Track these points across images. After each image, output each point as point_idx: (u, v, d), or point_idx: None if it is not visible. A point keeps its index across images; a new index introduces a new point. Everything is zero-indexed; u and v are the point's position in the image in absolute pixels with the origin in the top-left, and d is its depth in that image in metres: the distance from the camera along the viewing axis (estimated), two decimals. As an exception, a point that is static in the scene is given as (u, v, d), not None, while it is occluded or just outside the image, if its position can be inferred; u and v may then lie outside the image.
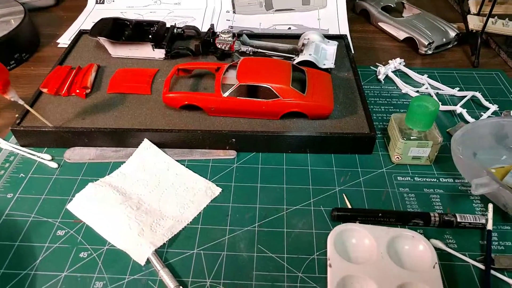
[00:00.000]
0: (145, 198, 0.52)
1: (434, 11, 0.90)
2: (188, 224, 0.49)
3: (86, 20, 0.89)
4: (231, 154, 0.57)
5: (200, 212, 0.50)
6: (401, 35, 0.82)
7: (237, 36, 0.72)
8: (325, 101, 0.57)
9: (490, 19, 0.74)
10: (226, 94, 0.57)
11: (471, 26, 0.77)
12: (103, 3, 0.94)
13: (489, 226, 0.47)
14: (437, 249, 0.45)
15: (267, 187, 0.53)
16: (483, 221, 0.47)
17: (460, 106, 0.64)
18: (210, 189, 0.53)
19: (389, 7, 0.90)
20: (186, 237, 0.48)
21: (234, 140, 0.56)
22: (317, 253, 0.46)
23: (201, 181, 0.54)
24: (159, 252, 0.46)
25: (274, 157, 0.57)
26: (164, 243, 0.47)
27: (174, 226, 0.48)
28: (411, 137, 0.54)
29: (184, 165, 0.56)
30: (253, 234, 0.48)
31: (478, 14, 0.77)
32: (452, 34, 0.80)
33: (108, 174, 0.54)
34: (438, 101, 0.65)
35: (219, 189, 0.53)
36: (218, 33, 0.71)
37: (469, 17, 0.78)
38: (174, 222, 0.49)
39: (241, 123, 0.58)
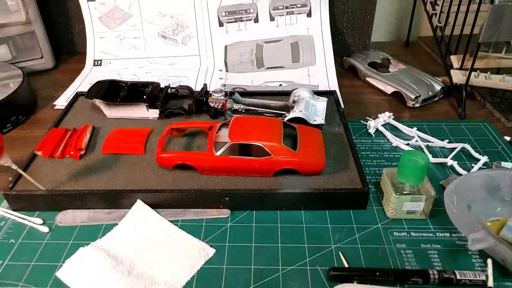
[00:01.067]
0: (137, 261, 0.50)
1: (418, 65, 0.94)
2: (181, 289, 0.47)
3: (83, 81, 0.92)
4: (224, 213, 0.57)
5: (193, 275, 0.49)
6: (389, 89, 0.85)
7: (229, 94, 0.74)
8: (316, 157, 0.58)
9: (473, 73, 0.77)
10: (218, 153, 0.58)
11: (455, 80, 0.80)
12: (100, 65, 0.97)
13: (490, 283, 0.46)
14: (438, 309, 0.44)
15: (262, 247, 0.52)
16: (483, 277, 0.46)
17: (451, 158, 0.65)
18: (204, 250, 0.52)
19: (375, 63, 0.94)
20: (179, 303, 0.46)
21: (227, 198, 0.56)
22: (315, 317, 0.44)
23: (194, 242, 0.53)
24: (151, 321, 0.44)
25: (268, 215, 0.57)
26: (156, 311, 0.45)
27: (166, 292, 0.47)
28: (404, 192, 0.54)
29: (178, 226, 0.55)
30: (249, 298, 0.46)
31: (460, 68, 0.81)
32: (438, 87, 0.83)
33: (100, 237, 0.53)
34: (428, 154, 0.66)
35: (213, 250, 0.52)
36: (210, 92, 0.73)
37: (452, 71, 0.81)
38: (167, 287, 0.47)
39: (234, 182, 0.58)
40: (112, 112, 0.72)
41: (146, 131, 0.69)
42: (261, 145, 0.57)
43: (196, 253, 0.51)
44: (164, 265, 0.50)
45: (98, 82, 0.76)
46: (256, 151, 0.58)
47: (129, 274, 0.48)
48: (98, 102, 0.71)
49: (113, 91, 0.75)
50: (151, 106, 0.71)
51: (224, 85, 0.90)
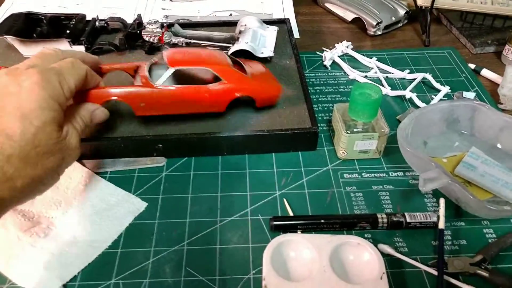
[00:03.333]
0: (56, 221, 0.45)
1: (383, -12, 0.85)
2: (106, 249, 0.42)
3: (3, 15, 0.80)
4: (159, 161, 0.51)
5: (121, 233, 0.44)
6: (349, 15, 0.76)
7: (167, 26, 0.65)
8: (271, 83, 0.53)
9: (439, -6, 0.70)
10: (159, 82, 0.48)
11: (419, 2, 0.72)
12: (23, -4, 0.84)
13: (441, 225, 0.42)
14: (385, 256, 0.41)
15: (199, 197, 0.47)
16: (435, 219, 0.43)
17: (410, 90, 0.59)
18: (134, 205, 0.46)
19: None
20: (102, 264, 0.41)
21: (160, 145, 0.50)
22: (254, 271, 0.40)
23: (123, 196, 0.47)
24: (69, 287, 0.39)
25: (209, 162, 0.51)
26: (75, 275, 0.40)
27: (89, 253, 0.42)
28: (356, 129, 0.48)
29: (106, 178, 0.49)
30: (181, 255, 0.42)
31: (427, -12, 0.73)
32: (402, 12, 0.75)
33: (14, 196, 0.47)
34: (387, 87, 0.60)
35: (144, 204, 0.46)
36: (145, 24, 0.64)
37: (417, -8, 0.73)
38: (89, 248, 0.42)
39: (168, 127, 0.51)
40: (29, 51, 0.62)
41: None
42: (210, 70, 0.48)
43: (125, 208, 0.46)
44: (88, 224, 0.44)
45: (11, 16, 0.65)
46: (204, 79, 0.50)
47: (45, 236, 0.43)
48: (10, 39, 0.61)
49: (31, 26, 0.64)
50: (74, 42, 0.62)
51: (167, 16, 0.79)
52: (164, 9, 0.82)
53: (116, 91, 0.47)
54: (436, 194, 0.47)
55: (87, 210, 0.46)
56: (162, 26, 0.63)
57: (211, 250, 0.42)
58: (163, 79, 0.48)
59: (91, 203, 0.46)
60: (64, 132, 0.39)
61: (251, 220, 0.45)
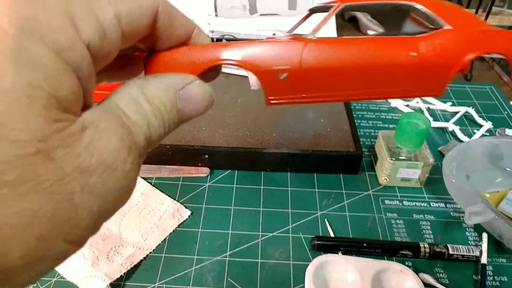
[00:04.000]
0: (107, 222, 0.46)
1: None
2: (151, 253, 0.44)
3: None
4: (203, 171, 0.52)
5: (165, 238, 0.45)
6: (391, 44, 0.78)
7: (216, 41, 0.67)
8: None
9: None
10: (318, 34, 0.23)
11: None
12: None
13: (484, 260, 0.42)
14: (426, 285, 0.41)
15: (242, 210, 0.48)
16: (477, 253, 0.43)
17: (453, 123, 0.60)
18: (178, 212, 0.48)
19: (380, 15, 0.86)
20: (147, 267, 0.42)
21: (207, 156, 0.51)
22: (294, 288, 0.41)
23: (168, 202, 0.48)
24: (115, 286, 0.40)
25: (251, 176, 0.52)
26: (121, 275, 0.41)
27: (134, 255, 0.43)
28: (400, 157, 0.49)
29: (151, 184, 0.51)
30: (224, 265, 0.43)
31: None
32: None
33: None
34: (429, 118, 0.61)
35: (188, 212, 0.48)
36: (195, 37, 0.66)
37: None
38: (135, 250, 0.43)
39: (215, 138, 0.53)
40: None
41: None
42: (424, 10, 0.25)
43: (170, 214, 0.47)
44: (134, 226, 0.46)
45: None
46: (403, 26, 0.30)
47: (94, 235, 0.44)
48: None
49: None
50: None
51: (212, 31, 0.82)
52: (210, 24, 0.84)
53: (234, 51, 0.22)
54: (478, 228, 0.47)
55: (133, 213, 0.47)
56: (212, 40, 0.66)
57: (253, 263, 0.43)
58: (319, 30, 0.23)
59: (138, 206, 0.48)
60: (96, 133, 0.15)
61: (292, 237, 0.46)
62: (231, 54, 0.22)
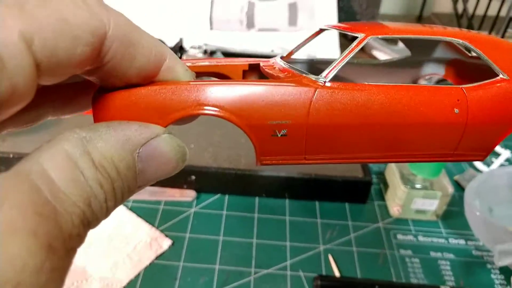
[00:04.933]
0: (67, 250, 0.39)
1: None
2: (120, 291, 0.36)
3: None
4: (189, 195, 0.45)
5: (139, 273, 0.38)
6: (397, 65, 0.73)
7: (210, 53, 0.62)
8: None
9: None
10: (330, 76, 0.18)
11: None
12: None
13: (518, 310, 0.36)
14: None
15: (232, 242, 0.41)
16: (510, 302, 0.36)
17: (469, 150, 0.54)
18: (157, 241, 0.40)
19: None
20: (114, 310, 0.35)
21: (193, 177, 0.45)
22: None
23: (145, 230, 0.41)
24: (72, 333, 0.33)
25: (244, 202, 0.46)
26: (81, 319, 0.34)
27: (99, 293, 0.35)
28: (416, 186, 0.43)
29: (128, 207, 0.44)
30: (207, 309, 0.35)
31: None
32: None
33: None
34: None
35: (169, 242, 0.40)
36: (187, 48, 0.61)
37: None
38: (102, 287, 0.36)
39: (204, 157, 0.46)
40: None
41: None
42: (468, 44, 0.20)
43: (147, 243, 0.40)
44: (102, 257, 0.38)
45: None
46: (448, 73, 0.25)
47: (52, 267, 0.37)
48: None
49: None
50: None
51: (206, 44, 0.77)
52: (203, 37, 0.79)
53: (215, 94, 0.16)
54: (504, 269, 0.40)
55: (103, 242, 0.40)
56: (205, 51, 0.60)
57: (243, 307, 0.36)
58: (337, 68, 0.18)
59: (108, 234, 0.40)
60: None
61: (291, 275, 0.38)
62: (214, 99, 0.16)
